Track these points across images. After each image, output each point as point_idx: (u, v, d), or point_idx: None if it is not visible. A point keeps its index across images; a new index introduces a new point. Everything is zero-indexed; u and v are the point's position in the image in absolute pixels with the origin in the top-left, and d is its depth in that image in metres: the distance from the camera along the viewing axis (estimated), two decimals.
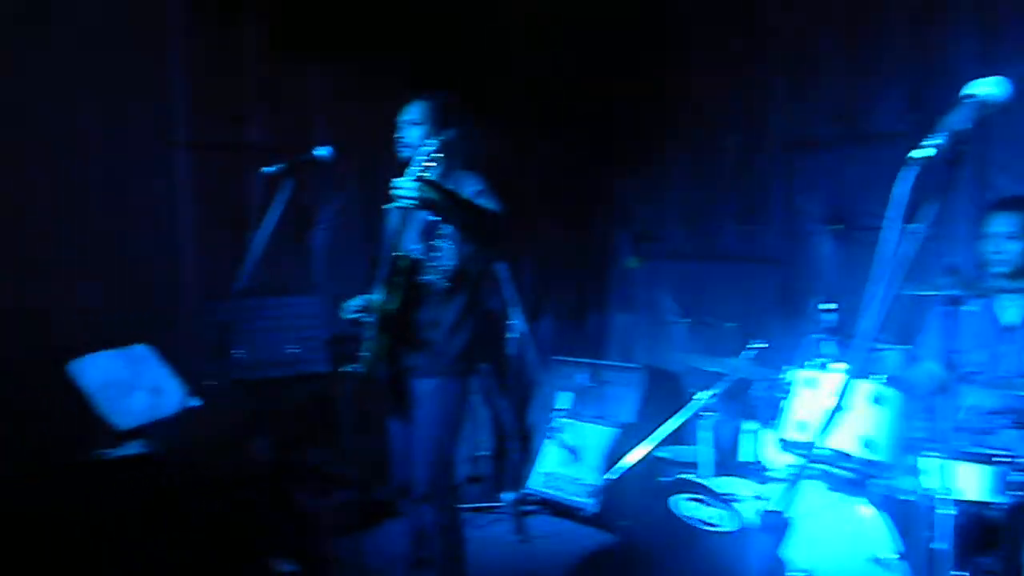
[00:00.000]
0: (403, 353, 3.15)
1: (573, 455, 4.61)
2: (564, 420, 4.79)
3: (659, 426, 4.67)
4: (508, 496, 4.59)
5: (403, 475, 3.31)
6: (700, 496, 2.94)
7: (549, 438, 4.76)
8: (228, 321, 3.88)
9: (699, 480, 3.02)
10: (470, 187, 3.11)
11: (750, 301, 4.76)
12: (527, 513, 4.57)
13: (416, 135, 3.20)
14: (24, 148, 3.81)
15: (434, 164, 3.04)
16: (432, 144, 3.03)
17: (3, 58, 3.73)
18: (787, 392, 3.05)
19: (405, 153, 3.20)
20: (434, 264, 3.13)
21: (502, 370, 4.89)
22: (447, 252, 3.12)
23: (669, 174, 5.23)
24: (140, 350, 3.74)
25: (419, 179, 2.91)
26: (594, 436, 4.64)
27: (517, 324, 4.69)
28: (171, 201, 4.35)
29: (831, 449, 2.87)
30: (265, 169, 3.09)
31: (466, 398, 3.26)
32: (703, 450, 3.42)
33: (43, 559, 3.38)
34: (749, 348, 3.50)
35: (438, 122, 3.19)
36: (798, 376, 3.06)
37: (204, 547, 3.70)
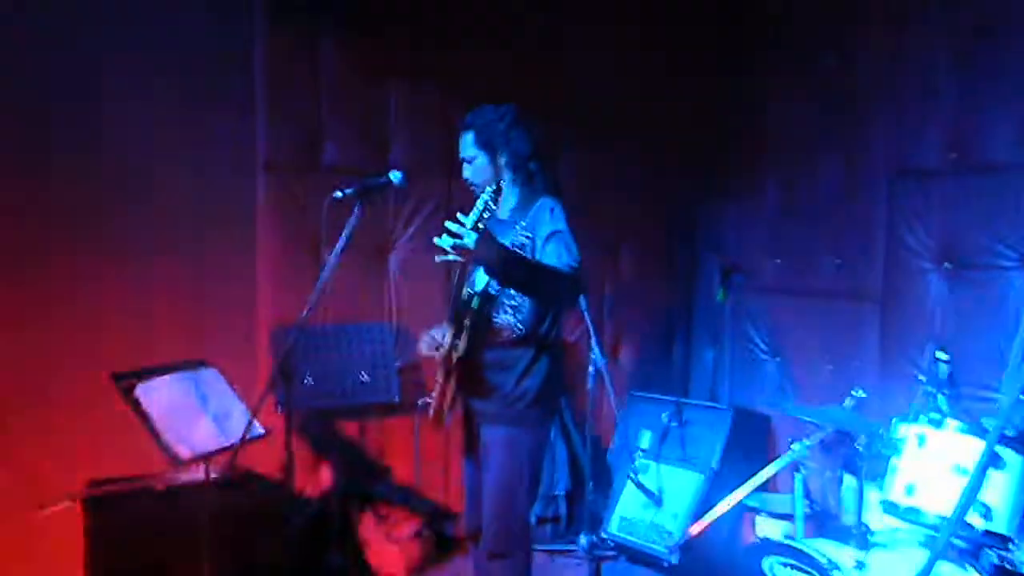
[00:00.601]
0: (471, 396, 2.94)
1: (654, 499, 4.35)
2: (645, 461, 4.53)
3: (746, 473, 4.39)
4: (583, 539, 4.35)
5: (473, 519, 3.12)
6: (795, 562, 2.66)
7: (629, 480, 4.50)
8: (298, 347, 3.78)
9: (795, 543, 2.75)
10: (545, 225, 2.82)
11: (847, 343, 4.46)
12: (603, 559, 4.32)
13: (476, 169, 2.98)
14: (104, 168, 3.81)
15: (490, 212, 2.69)
16: (489, 192, 2.72)
17: (89, 77, 3.74)
18: (894, 448, 2.75)
19: (477, 194, 2.95)
20: (507, 303, 2.88)
21: (579, 405, 4.67)
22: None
23: (762, 202, 4.94)
24: (208, 374, 3.65)
25: (475, 229, 2.57)
26: (677, 480, 4.38)
27: (596, 357, 4.45)
28: (250, 223, 4.30)
29: (941, 516, 2.57)
30: (335, 194, 2.96)
31: (541, 450, 2.98)
32: (798, 507, 3.13)
33: None
34: (849, 397, 3.19)
35: (494, 146, 2.94)
36: (907, 432, 2.76)
37: None
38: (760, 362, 4.94)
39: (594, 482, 4.54)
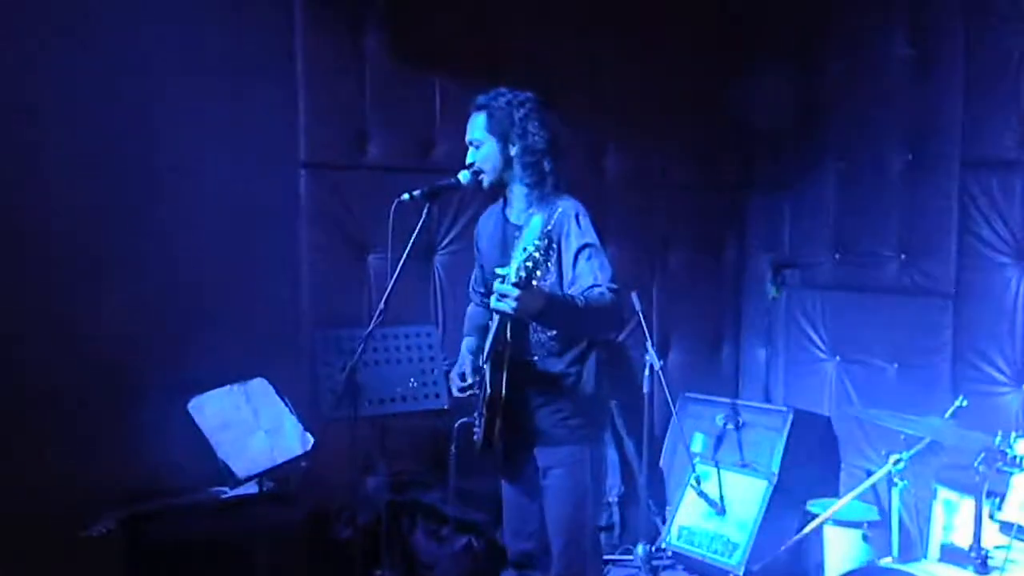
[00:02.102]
0: (517, 423, 2.75)
1: (717, 509, 4.16)
2: (704, 467, 4.33)
3: (808, 478, 4.22)
4: (641, 549, 4.18)
5: (518, 547, 2.96)
6: None
7: (688, 487, 4.31)
8: (346, 352, 3.61)
9: (909, 568, 2.56)
10: (572, 237, 2.65)
11: (914, 341, 4.25)
12: (661, 569, 4.16)
13: (482, 156, 2.80)
14: (145, 166, 3.65)
15: (536, 260, 2.33)
16: (533, 241, 2.34)
17: (129, 78, 3.58)
18: (1016, 465, 2.54)
19: (484, 182, 2.82)
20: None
21: (631, 408, 4.49)
22: None
23: (820, 193, 4.71)
24: (258, 385, 3.51)
25: (518, 284, 2.34)
26: (739, 487, 4.19)
27: (651, 357, 4.26)
28: (292, 223, 4.13)
29: None
30: (403, 196, 2.78)
31: (601, 462, 2.89)
32: (895, 525, 2.94)
33: None
34: (954, 406, 2.99)
35: (506, 135, 2.75)
36: None
37: None
38: (817, 361, 4.74)
39: (648, 488, 4.37)
